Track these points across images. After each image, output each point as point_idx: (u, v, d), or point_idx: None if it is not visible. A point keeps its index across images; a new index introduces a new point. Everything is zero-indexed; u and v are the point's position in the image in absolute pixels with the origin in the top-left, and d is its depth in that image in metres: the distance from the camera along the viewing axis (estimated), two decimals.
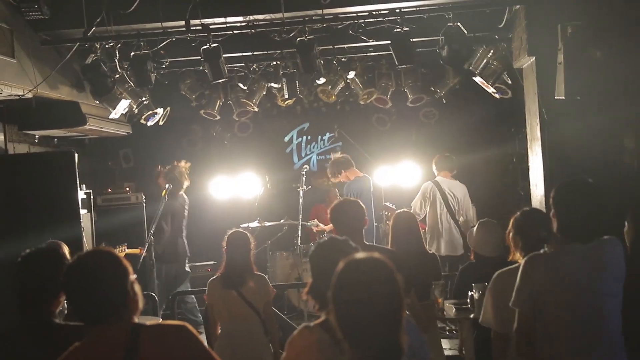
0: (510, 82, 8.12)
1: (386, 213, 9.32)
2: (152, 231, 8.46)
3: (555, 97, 6.44)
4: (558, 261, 3.76)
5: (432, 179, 8.92)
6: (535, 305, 3.77)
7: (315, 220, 9.90)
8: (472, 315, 5.48)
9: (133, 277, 2.83)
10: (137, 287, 2.84)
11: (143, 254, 8.35)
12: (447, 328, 7.81)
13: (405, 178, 9.93)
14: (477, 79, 8.10)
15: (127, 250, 8.84)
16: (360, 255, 2.49)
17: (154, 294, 8.10)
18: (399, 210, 6.47)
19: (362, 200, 7.87)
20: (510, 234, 4.45)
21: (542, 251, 3.90)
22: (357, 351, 2.35)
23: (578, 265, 3.71)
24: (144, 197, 9.98)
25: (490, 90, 8.19)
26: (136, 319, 2.82)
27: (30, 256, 3.57)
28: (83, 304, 2.75)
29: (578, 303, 3.68)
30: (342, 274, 2.44)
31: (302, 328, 3.12)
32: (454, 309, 5.68)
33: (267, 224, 9.83)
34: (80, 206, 7.70)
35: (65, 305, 3.62)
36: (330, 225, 9.54)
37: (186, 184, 9.15)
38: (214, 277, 5.84)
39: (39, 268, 3.51)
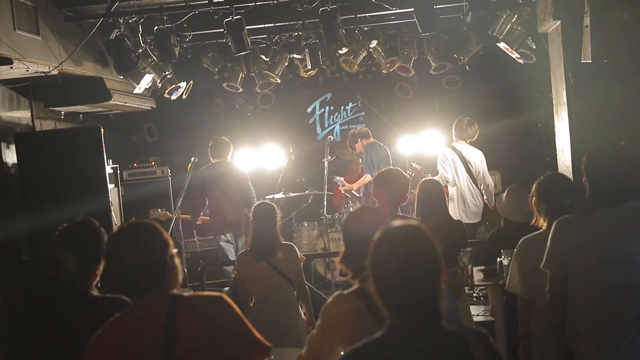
0: (534, 47, 8.02)
1: (411, 173, 9.19)
2: (178, 204, 8.53)
3: (582, 61, 6.36)
4: (589, 225, 3.76)
5: (449, 145, 8.79)
6: (566, 269, 3.78)
7: (342, 178, 9.90)
8: (501, 281, 5.49)
9: (174, 250, 2.87)
10: (177, 260, 2.87)
11: (174, 217, 8.43)
12: (475, 294, 7.83)
13: (428, 146, 9.90)
14: (501, 45, 8.02)
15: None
16: (398, 222, 2.50)
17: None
18: (424, 179, 6.47)
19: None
20: (533, 199, 4.45)
21: (573, 215, 3.88)
22: (397, 317, 2.38)
23: (609, 230, 3.70)
24: (169, 170, 10.07)
25: (515, 55, 8.11)
26: (175, 291, 2.86)
27: (68, 229, 3.62)
28: (125, 275, 2.79)
29: (608, 268, 3.67)
30: (381, 241, 2.45)
31: (336, 296, 3.15)
32: (483, 275, 5.69)
33: (292, 194, 9.86)
34: (107, 181, 7.78)
35: (98, 278, 3.67)
36: (358, 183, 9.59)
37: (221, 152, 8.73)
38: (243, 251, 5.89)
39: (76, 240, 3.57)
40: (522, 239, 4.43)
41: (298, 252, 5.83)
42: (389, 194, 5.24)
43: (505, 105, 10.61)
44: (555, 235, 3.83)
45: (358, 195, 9.65)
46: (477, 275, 5.74)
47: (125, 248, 2.78)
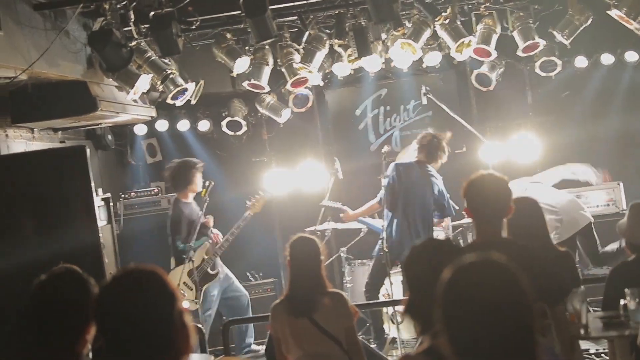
0: None
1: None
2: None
3: None
4: None
5: None
6: None
7: None
8: (627, 332, 5.41)
9: (183, 304, 2.83)
10: (187, 318, 2.84)
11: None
12: (593, 351, 7.73)
13: (520, 154, 9.82)
14: (613, 13, 7.95)
15: None
16: (472, 256, 2.50)
17: (200, 326, 8.23)
18: (516, 197, 6.42)
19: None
20: None
21: None
22: None
23: None
24: None
25: (633, 26, 8.03)
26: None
27: (48, 282, 3.62)
28: (121, 339, 2.78)
29: None
30: (451, 283, 2.45)
31: (402, 358, 3.15)
32: (602, 325, 5.61)
33: (341, 225, 9.85)
34: (97, 216, 7.83)
35: (90, 346, 3.69)
36: None
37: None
38: (278, 301, 5.89)
39: (60, 296, 3.57)
40: None
41: (349, 303, 5.80)
42: (481, 210, 5.05)
43: (626, 94, 10.47)
44: None
45: None
46: (594, 324, 5.66)
47: (120, 305, 2.76)
